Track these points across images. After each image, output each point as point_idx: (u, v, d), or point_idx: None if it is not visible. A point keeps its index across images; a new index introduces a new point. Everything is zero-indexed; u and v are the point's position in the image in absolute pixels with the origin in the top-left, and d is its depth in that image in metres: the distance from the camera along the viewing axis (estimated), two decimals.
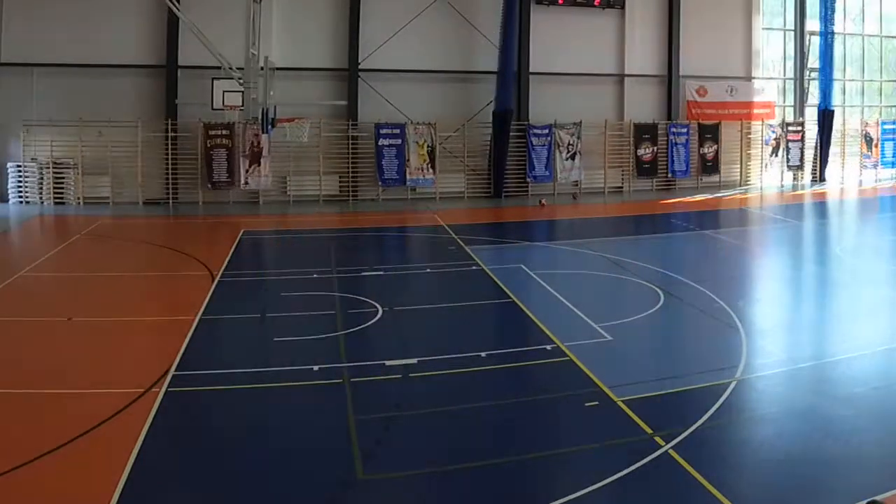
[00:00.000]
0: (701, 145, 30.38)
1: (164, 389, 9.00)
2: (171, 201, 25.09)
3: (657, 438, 7.67)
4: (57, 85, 24.31)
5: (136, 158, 24.75)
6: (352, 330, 11.55)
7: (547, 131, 27.99)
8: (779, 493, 6.72)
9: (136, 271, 16.04)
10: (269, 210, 25.01)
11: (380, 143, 26.27)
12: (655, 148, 29.60)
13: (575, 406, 8.79)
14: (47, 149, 24.35)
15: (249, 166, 25.28)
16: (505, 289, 14.03)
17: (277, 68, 18.70)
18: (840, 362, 10.14)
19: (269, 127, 18.29)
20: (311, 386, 9.38)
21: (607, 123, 29.15)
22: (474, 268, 15.93)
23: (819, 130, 32.06)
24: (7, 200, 24.45)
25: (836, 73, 32.38)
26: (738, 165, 31.57)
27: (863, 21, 33.62)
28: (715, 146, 30.58)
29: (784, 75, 33.27)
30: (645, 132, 29.46)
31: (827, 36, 31.17)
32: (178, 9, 17.98)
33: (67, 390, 9.04)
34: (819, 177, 32.53)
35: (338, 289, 13.97)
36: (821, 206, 27.67)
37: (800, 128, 32.30)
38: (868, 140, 33.63)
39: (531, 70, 28.17)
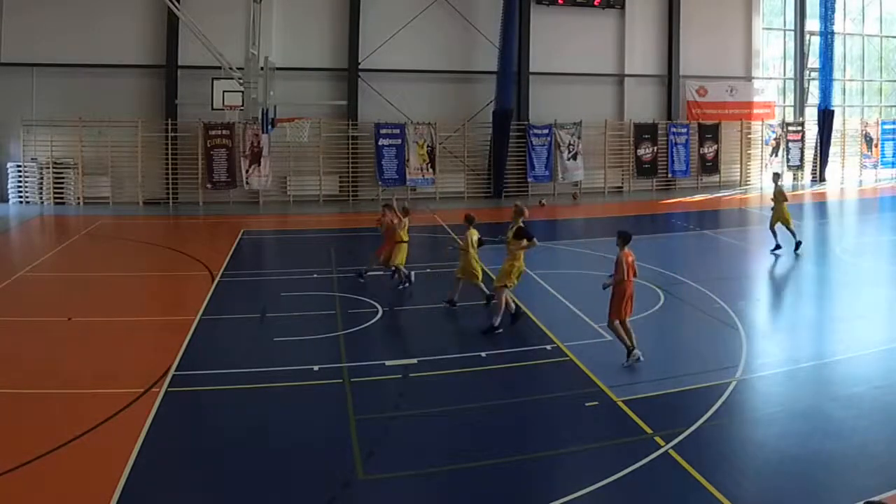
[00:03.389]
0: (701, 145, 30.40)
1: (164, 389, 9.00)
2: (171, 201, 25.11)
3: (657, 438, 7.66)
4: (57, 85, 24.34)
5: (136, 158, 24.77)
6: (352, 330, 11.55)
7: (547, 131, 28.00)
8: (779, 493, 6.72)
9: (136, 271, 16.05)
10: (269, 210, 25.01)
11: (380, 143, 26.29)
12: (655, 148, 29.62)
13: (575, 406, 8.79)
14: (47, 149, 24.36)
15: (249, 166, 25.29)
16: None
17: (277, 68, 18.68)
18: (840, 362, 10.14)
19: (269, 127, 18.28)
20: (311, 386, 9.38)
21: (607, 123, 29.16)
22: None
23: (819, 130, 32.08)
24: (7, 200, 24.46)
25: (836, 73, 32.41)
26: (738, 165, 31.58)
27: (863, 21, 33.64)
28: (715, 146, 30.60)
29: (784, 75, 33.29)
30: (645, 132, 29.47)
31: (827, 36, 31.19)
32: (178, 9, 17.96)
33: (67, 390, 9.04)
34: (819, 177, 32.54)
35: (338, 289, 13.96)
36: (821, 206, 27.66)
37: (800, 128, 32.32)
38: (868, 140, 33.63)
39: (531, 70, 28.19)
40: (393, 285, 14.04)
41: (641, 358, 9.84)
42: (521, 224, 11.51)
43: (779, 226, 17.02)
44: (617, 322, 9.87)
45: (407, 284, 13.88)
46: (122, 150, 24.80)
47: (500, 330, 11.18)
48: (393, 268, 13.85)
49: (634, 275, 9.96)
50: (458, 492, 6.90)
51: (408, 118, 26.58)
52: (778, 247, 16.97)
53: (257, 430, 8.10)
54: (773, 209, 17.24)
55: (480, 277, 12.34)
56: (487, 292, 12.33)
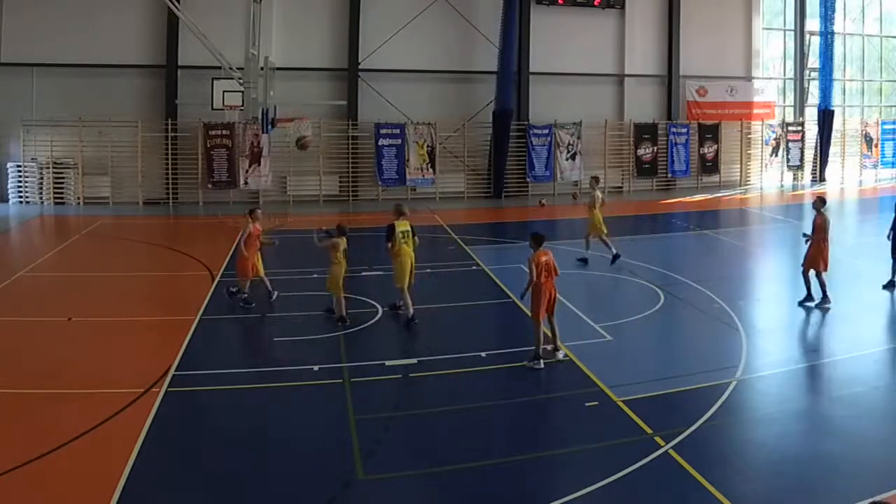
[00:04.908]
0: (701, 145, 30.40)
1: (164, 389, 9.01)
2: (171, 201, 25.11)
3: (657, 438, 7.67)
4: (57, 85, 24.34)
5: (136, 158, 24.78)
6: (352, 330, 11.55)
7: (547, 131, 28.00)
8: (779, 493, 6.72)
9: (136, 271, 16.05)
10: (269, 210, 24.94)
11: (380, 143, 26.28)
12: (655, 148, 29.62)
13: (575, 406, 8.79)
14: (47, 149, 24.36)
15: (249, 166, 25.29)
16: (505, 289, 14.04)
17: (277, 68, 18.67)
18: (840, 362, 10.14)
19: (269, 127, 18.27)
20: (311, 386, 9.38)
21: (607, 123, 29.16)
22: (474, 268, 15.93)
23: (819, 130, 32.07)
24: (7, 200, 24.46)
25: (836, 73, 32.38)
26: (738, 165, 31.58)
27: (863, 21, 33.63)
28: (715, 146, 30.60)
29: (784, 75, 33.28)
30: (645, 132, 29.47)
31: (827, 36, 31.18)
32: (178, 9, 17.95)
33: (68, 390, 9.04)
34: (819, 177, 32.54)
35: None
36: None
37: (800, 128, 32.32)
38: (868, 140, 33.63)
39: (531, 70, 28.18)
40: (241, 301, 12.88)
41: (542, 366, 9.74)
42: (392, 224, 11.75)
43: (594, 237, 15.98)
44: (538, 323, 9.92)
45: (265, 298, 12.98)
46: (122, 150, 24.80)
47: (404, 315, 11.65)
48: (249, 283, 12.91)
49: (556, 274, 10.12)
50: (458, 492, 6.90)
51: (408, 118, 26.58)
52: (584, 260, 16.07)
53: (257, 430, 8.10)
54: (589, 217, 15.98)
55: (341, 293, 11.73)
56: (337, 314, 11.75)
